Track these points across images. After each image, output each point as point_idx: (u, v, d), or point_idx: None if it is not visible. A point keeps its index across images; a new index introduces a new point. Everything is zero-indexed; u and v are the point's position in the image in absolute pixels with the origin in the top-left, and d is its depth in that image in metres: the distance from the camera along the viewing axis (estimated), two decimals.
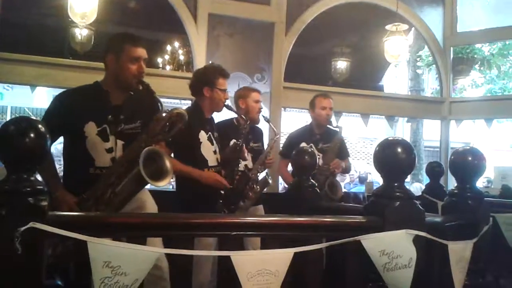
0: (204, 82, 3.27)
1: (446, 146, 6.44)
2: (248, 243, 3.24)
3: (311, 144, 4.10)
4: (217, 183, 3.16)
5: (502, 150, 14.53)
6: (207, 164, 3.21)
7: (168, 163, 2.25)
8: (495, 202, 3.49)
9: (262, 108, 3.93)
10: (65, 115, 2.50)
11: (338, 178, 4.48)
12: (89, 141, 2.47)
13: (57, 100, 2.62)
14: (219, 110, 3.37)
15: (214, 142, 3.30)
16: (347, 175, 8.58)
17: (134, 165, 2.23)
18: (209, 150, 3.25)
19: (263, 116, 3.99)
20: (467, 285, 2.00)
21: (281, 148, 4.62)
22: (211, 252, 1.95)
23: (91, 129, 2.47)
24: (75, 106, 2.53)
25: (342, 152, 4.33)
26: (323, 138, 4.24)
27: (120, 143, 2.51)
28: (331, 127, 4.34)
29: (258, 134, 4.02)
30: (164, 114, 2.40)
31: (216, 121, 3.57)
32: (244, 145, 3.44)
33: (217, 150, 3.32)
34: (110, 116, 2.49)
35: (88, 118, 2.47)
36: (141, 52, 2.55)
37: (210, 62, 5.21)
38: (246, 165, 3.68)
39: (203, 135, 3.23)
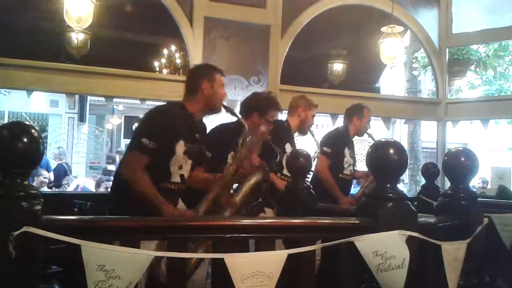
0: (256, 108, 3.45)
1: (442, 147, 6.45)
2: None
3: (350, 150, 4.23)
4: None
5: (499, 151, 14.54)
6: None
7: None
8: (491, 202, 3.50)
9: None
10: (166, 130, 2.61)
11: None
12: (175, 158, 2.58)
13: (161, 115, 2.71)
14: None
15: None
16: None
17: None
18: None
19: (310, 130, 4.07)
20: (461, 285, 2.01)
21: (326, 148, 4.27)
22: (205, 254, 1.95)
23: (180, 147, 2.59)
24: (173, 124, 2.64)
25: None
26: (353, 144, 4.41)
27: (189, 162, 2.66)
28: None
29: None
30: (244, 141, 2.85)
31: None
32: None
33: None
34: (193, 137, 2.68)
35: (180, 136, 2.60)
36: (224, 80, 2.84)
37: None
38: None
39: None
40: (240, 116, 2.93)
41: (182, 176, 2.63)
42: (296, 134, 4.12)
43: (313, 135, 4.10)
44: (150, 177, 2.50)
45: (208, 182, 2.76)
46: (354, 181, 10.45)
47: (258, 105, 3.45)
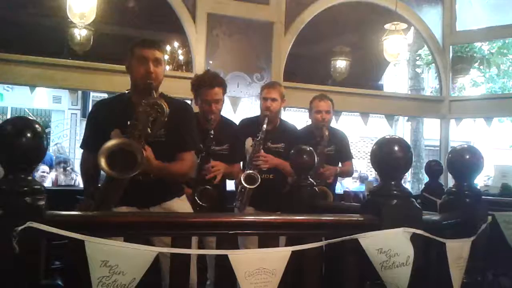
0: (194, 91, 3.39)
1: (446, 145, 6.44)
2: (246, 242, 3.17)
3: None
4: None
5: (502, 148, 14.51)
6: None
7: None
8: (494, 200, 3.48)
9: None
10: (96, 120, 2.65)
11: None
12: None
13: (93, 107, 2.82)
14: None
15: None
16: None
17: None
18: None
19: (265, 114, 3.67)
20: (465, 283, 2.00)
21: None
22: (209, 250, 1.95)
23: (115, 135, 2.48)
24: (102, 113, 2.66)
25: (343, 155, 4.19)
26: (324, 141, 3.96)
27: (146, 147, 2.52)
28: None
29: (282, 134, 3.72)
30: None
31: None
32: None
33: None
34: (129, 122, 2.46)
35: (114, 124, 2.51)
36: (148, 52, 2.53)
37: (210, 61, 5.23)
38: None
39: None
40: (154, 94, 2.48)
41: None
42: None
43: (263, 121, 3.62)
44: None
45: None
46: (356, 179, 10.44)
47: (193, 88, 3.35)
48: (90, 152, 2.63)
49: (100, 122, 2.63)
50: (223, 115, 3.56)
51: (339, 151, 4.12)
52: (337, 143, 4.11)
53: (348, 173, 4.55)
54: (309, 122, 4.25)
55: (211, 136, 3.14)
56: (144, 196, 2.47)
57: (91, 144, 2.63)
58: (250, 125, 3.76)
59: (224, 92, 3.35)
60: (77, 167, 10.10)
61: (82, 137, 2.79)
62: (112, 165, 2.18)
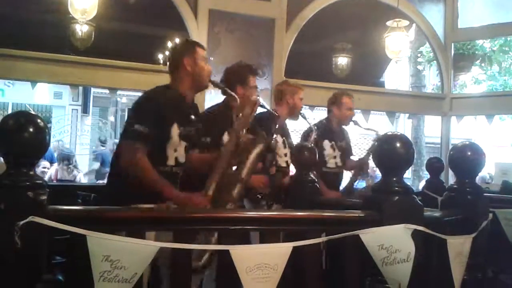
0: (236, 81, 3.29)
1: (447, 142, 6.43)
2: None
3: (333, 142, 4.08)
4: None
5: (503, 146, 14.50)
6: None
7: None
8: (495, 197, 3.49)
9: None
10: (158, 114, 2.54)
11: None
12: (171, 141, 2.55)
13: (150, 99, 2.64)
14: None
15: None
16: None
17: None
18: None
19: (301, 113, 3.90)
20: (466, 279, 2.00)
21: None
22: (210, 246, 1.95)
23: (175, 130, 2.55)
24: (164, 107, 2.57)
25: (350, 150, 4.36)
26: (340, 136, 4.22)
27: (183, 143, 2.60)
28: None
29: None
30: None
31: None
32: None
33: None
34: (187, 119, 2.62)
35: (173, 119, 2.56)
36: (205, 54, 2.76)
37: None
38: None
39: None
40: (227, 89, 2.86)
41: (176, 158, 2.57)
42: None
43: (304, 118, 3.92)
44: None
45: (214, 161, 2.66)
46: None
47: (236, 77, 3.32)
48: (147, 147, 2.47)
49: (162, 114, 2.54)
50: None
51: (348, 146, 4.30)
52: (346, 139, 4.26)
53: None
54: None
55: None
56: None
57: (149, 137, 2.46)
58: (263, 121, 3.78)
59: None
60: (80, 165, 10.02)
61: (133, 129, 2.47)
62: None
